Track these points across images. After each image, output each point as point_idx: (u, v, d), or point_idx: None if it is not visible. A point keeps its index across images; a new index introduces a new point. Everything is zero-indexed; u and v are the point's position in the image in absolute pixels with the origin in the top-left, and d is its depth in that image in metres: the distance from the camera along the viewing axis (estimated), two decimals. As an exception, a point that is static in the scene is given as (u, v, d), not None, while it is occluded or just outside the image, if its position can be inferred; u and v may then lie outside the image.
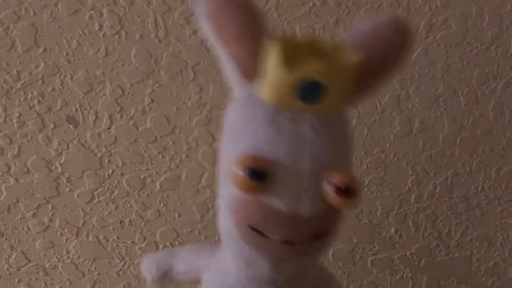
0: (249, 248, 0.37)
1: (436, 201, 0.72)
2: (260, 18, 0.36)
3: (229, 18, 0.35)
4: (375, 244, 0.73)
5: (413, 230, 0.73)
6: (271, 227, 0.35)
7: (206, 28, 0.36)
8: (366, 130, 0.67)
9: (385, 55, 0.36)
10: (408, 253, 0.74)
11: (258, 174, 0.33)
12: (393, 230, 0.73)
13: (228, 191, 0.36)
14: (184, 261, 0.48)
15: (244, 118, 0.36)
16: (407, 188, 0.71)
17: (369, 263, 0.74)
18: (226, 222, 0.37)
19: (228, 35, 0.35)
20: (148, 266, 0.49)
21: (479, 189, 0.72)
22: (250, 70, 0.36)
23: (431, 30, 0.64)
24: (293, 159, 0.34)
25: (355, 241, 0.73)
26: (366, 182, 0.70)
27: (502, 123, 0.69)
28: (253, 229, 0.35)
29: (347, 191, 0.34)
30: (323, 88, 0.34)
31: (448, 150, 0.70)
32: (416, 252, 0.74)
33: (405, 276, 0.76)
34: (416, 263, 0.75)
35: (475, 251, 0.75)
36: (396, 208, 0.72)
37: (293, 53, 0.34)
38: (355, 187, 0.34)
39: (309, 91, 0.34)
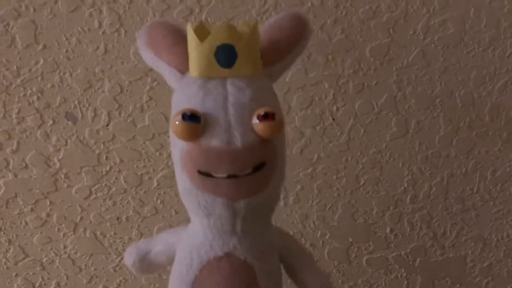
0: (203, 195, 0.43)
1: (431, 202, 0.73)
2: (182, 29, 0.45)
3: (159, 37, 0.46)
4: (370, 243, 0.74)
5: (408, 230, 0.74)
6: (214, 165, 0.42)
7: (146, 54, 0.46)
8: (362, 131, 0.68)
9: (285, 36, 0.46)
10: (403, 253, 0.75)
11: (190, 116, 0.40)
12: (388, 229, 0.73)
13: (177, 148, 0.43)
14: (161, 241, 0.52)
15: (181, 96, 0.44)
16: (402, 188, 0.71)
17: (364, 262, 0.75)
18: (181, 180, 0.44)
19: (162, 49, 0.45)
20: (129, 253, 0.52)
21: (475, 190, 0.73)
22: (184, 66, 0.44)
23: (429, 32, 0.65)
24: (220, 108, 0.42)
25: (350, 240, 0.74)
26: (362, 182, 0.70)
27: (498, 124, 0.69)
28: (201, 173, 0.42)
29: (266, 116, 0.41)
30: (233, 50, 0.42)
31: (444, 151, 0.70)
32: (411, 252, 0.75)
33: (399, 275, 0.76)
34: (411, 262, 0.76)
35: (469, 251, 0.76)
36: (391, 208, 0.72)
37: (206, 32, 0.43)
38: (272, 112, 0.41)
39: (223, 55, 0.42)
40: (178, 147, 0.43)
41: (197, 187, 0.43)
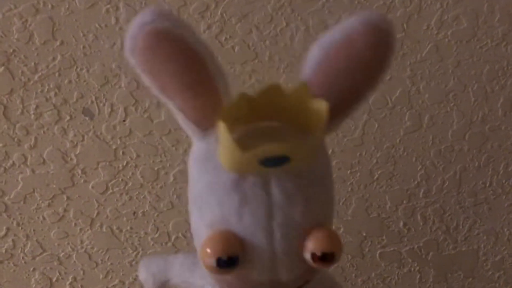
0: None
1: (444, 196, 0.73)
2: (203, 54, 0.28)
3: (164, 66, 0.28)
4: (384, 237, 0.74)
5: (421, 224, 0.74)
6: (246, 285, 0.33)
7: (144, 79, 0.30)
8: (376, 125, 0.68)
9: (360, 70, 0.30)
10: (416, 247, 0.75)
11: (227, 262, 0.30)
12: (401, 223, 0.74)
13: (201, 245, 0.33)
14: (179, 276, 0.46)
15: (207, 181, 0.32)
16: (416, 182, 0.72)
17: (377, 256, 0.75)
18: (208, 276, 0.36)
19: (168, 87, 0.29)
20: (145, 278, 0.48)
21: (487, 184, 0.73)
22: (204, 120, 0.31)
23: (442, 27, 0.65)
24: (263, 229, 0.31)
25: (364, 234, 0.74)
26: (376, 176, 0.71)
27: (511, 119, 0.70)
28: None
29: (324, 258, 0.31)
30: (287, 157, 0.29)
31: (457, 145, 0.70)
32: (424, 246, 0.75)
33: (412, 269, 0.77)
34: (423, 256, 0.76)
35: (482, 245, 0.76)
36: (405, 202, 0.73)
37: (250, 108, 0.29)
38: (332, 253, 0.31)
39: (272, 163, 0.29)
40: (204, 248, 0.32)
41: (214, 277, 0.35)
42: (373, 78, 0.31)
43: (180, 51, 0.28)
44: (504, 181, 0.73)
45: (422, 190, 0.72)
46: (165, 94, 0.30)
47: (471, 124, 0.70)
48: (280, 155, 0.29)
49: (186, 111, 0.30)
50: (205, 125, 0.30)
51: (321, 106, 0.28)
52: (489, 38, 0.66)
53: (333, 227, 0.34)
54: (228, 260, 0.30)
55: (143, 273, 0.49)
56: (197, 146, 0.33)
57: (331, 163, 0.35)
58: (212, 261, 0.30)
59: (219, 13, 0.62)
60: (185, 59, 0.28)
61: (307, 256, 0.31)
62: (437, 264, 0.77)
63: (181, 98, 0.29)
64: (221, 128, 0.28)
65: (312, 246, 0.30)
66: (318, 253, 0.30)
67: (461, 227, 0.75)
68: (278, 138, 0.30)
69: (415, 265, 0.76)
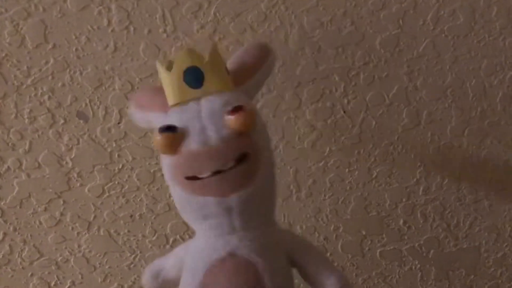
0: (195, 198, 0.46)
1: (444, 193, 0.72)
2: (158, 88, 0.51)
3: (142, 97, 0.54)
4: (384, 235, 0.74)
5: (421, 221, 0.73)
6: (197, 166, 0.45)
7: (137, 117, 0.53)
8: (374, 123, 0.68)
9: (249, 60, 0.52)
10: (416, 245, 0.75)
11: (166, 128, 0.45)
12: (401, 221, 0.73)
13: (166, 166, 0.47)
14: (173, 256, 0.53)
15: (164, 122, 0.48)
16: (415, 180, 0.71)
17: (377, 255, 0.75)
18: (175, 193, 0.48)
19: (145, 105, 0.52)
20: (144, 272, 0.54)
21: (487, 180, 0.72)
22: (165, 108, 0.49)
23: (439, 22, 0.64)
24: (195, 118, 0.46)
25: (363, 233, 0.73)
26: (375, 174, 0.70)
27: (510, 114, 0.69)
28: (189, 178, 0.45)
29: (235, 109, 0.44)
30: (199, 71, 0.47)
31: (456, 141, 0.70)
32: (424, 244, 0.75)
33: (413, 267, 0.76)
34: (424, 254, 0.75)
35: (483, 242, 0.76)
36: (404, 200, 0.72)
37: (172, 63, 0.48)
38: (241, 105, 0.45)
39: (191, 76, 0.47)
40: (166, 163, 0.47)
41: (188, 193, 0.46)
42: (257, 65, 0.52)
43: (152, 91, 0.55)
44: (504, 177, 0.72)
45: (421, 188, 0.72)
46: (146, 111, 0.53)
47: (470, 120, 0.69)
48: (192, 66, 0.47)
49: (156, 109, 0.51)
50: (166, 109, 0.49)
51: (213, 43, 0.53)
52: (487, 33, 0.65)
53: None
54: (167, 127, 0.45)
55: (145, 272, 0.54)
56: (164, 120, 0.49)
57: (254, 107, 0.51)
58: (157, 133, 0.45)
59: (212, 12, 0.61)
60: (154, 92, 0.53)
61: (225, 117, 0.45)
62: (438, 262, 0.76)
63: (154, 105, 0.52)
64: (158, 65, 0.49)
65: (227, 110, 0.45)
66: (230, 108, 0.45)
67: (461, 224, 0.74)
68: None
69: (416, 263, 0.76)
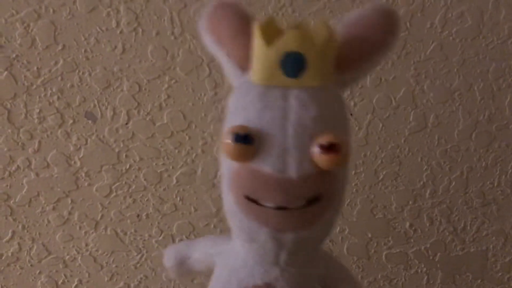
0: (248, 220, 0.39)
1: (451, 196, 0.72)
2: (249, 16, 0.40)
3: (223, 22, 0.39)
4: (390, 238, 0.74)
5: (428, 225, 0.73)
6: (263, 192, 0.37)
7: (206, 38, 0.41)
8: (380, 125, 0.68)
9: (369, 37, 0.38)
10: (423, 248, 0.74)
11: (243, 138, 0.36)
12: (407, 224, 0.73)
13: (226, 167, 0.39)
14: (201, 249, 0.50)
15: (238, 101, 0.39)
16: (422, 183, 0.71)
17: (383, 258, 0.75)
18: (227, 199, 0.40)
19: (224, 37, 0.39)
20: (168, 255, 0.51)
21: (495, 184, 0.72)
22: (245, 62, 0.39)
23: (446, 24, 0.64)
24: (278, 126, 0.36)
25: (369, 235, 0.73)
26: (381, 177, 0.70)
27: (519, 117, 0.69)
28: (249, 198, 0.38)
29: (330, 148, 0.35)
30: (302, 59, 0.36)
31: (463, 145, 0.69)
32: (431, 247, 0.74)
33: (420, 270, 0.76)
34: (431, 258, 0.75)
35: (491, 246, 0.75)
36: (411, 202, 0.72)
37: (277, 33, 0.37)
38: (337, 143, 0.35)
39: (290, 64, 0.37)
40: (226, 165, 0.39)
41: (241, 211, 0.39)
42: (379, 45, 0.39)
43: (233, 11, 0.39)
44: (512, 181, 0.72)
45: (428, 191, 0.71)
46: (219, 44, 0.40)
47: (478, 123, 0.69)
48: (296, 52, 0.36)
49: (233, 55, 0.39)
50: (245, 67, 0.39)
51: (331, 28, 0.37)
52: (495, 36, 0.65)
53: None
54: (243, 136, 0.36)
55: (168, 251, 0.51)
56: (237, 82, 0.40)
57: (344, 104, 0.40)
58: (230, 138, 0.36)
59: (219, 14, 0.61)
60: (236, 16, 0.39)
61: (315, 149, 0.35)
62: (444, 266, 0.76)
63: (230, 44, 0.39)
64: (255, 27, 0.37)
65: (319, 140, 0.35)
66: (324, 143, 0.35)
67: (469, 227, 0.74)
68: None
69: (422, 266, 0.75)
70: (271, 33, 0.37)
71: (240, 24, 0.39)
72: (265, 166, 0.36)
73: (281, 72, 0.37)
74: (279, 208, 0.37)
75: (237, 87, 0.40)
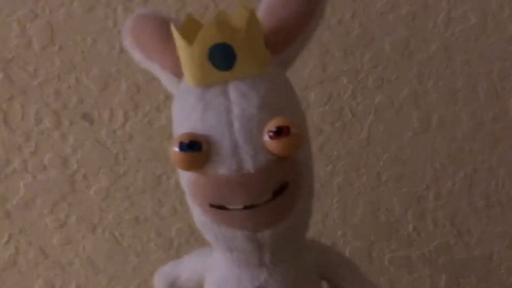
0: (220, 228, 0.37)
1: (455, 198, 0.71)
2: (172, 21, 0.38)
3: (145, 34, 0.39)
4: (393, 241, 0.72)
5: (431, 227, 0.72)
6: (227, 196, 0.35)
7: (135, 55, 0.40)
8: (383, 126, 0.67)
9: (294, 9, 0.37)
10: (426, 251, 0.73)
11: (188, 145, 0.34)
12: (411, 227, 0.72)
13: (184, 180, 0.38)
14: (188, 267, 0.48)
15: (179, 109, 0.38)
16: (425, 185, 0.70)
17: (386, 261, 0.74)
18: (194, 212, 0.39)
19: (151, 50, 0.39)
20: (158, 279, 0.50)
21: (500, 185, 0.71)
22: (178, 69, 0.37)
23: (450, 24, 0.63)
24: (223, 124, 0.35)
25: (372, 238, 0.72)
26: (384, 179, 0.69)
27: (524, 118, 0.68)
28: (214, 206, 0.36)
29: (279, 131, 0.33)
30: (229, 48, 0.35)
31: (467, 146, 0.68)
32: (434, 250, 0.73)
33: (423, 274, 0.74)
34: (434, 261, 0.74)
35: (495, 249, 0.74)
36: (414, 205, 0.71)
37: (196, 29, 0.35)
38: (286, 126, 0.34)
39: (218, 56, 0.35)
40: (184, 178, 0.38)
41: (211, 221, 0.37)
42: (306, 15, 0.38)
43: (153, 21, 0.39)
44: (517, 183, 0.71)
45: (431, 193, 0.70)
46: (150, 58, 0.39)
47: (481, 124, 0.67)
48: (221, 42, 0.34)
49: (165, 65, 0.39)
50: (179, 73, 0.38)
51: (250, 10, 0.35)
52: (499, 35, 0.64)
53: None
54: (189, 143, 0.34)
55: (157, 276, 0.50)
56: (175, 89, 0.39)
57: (290, 85, 0.39)
58: (176, 148, 0.34)
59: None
60: (158, 25, 0.39)
61: (266, 137, 0.34)
62: (448, 269, 0.74)
63: (160, 55, 0.38)
64: (173, 30, 0.35)
65: (268, 127, 0.34)
66: (273, 128, 0.33)
67: (473, 230, 0.73)
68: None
69: (426, 270, 0.74)
70: (191, 31, 0.35)
71: (163, 32, 0.38)
72: (221, 168, 0.35)
73: (213, 67, 0.35)
74: (247, 207, 0.35)
75: (176, 95, 0.39)
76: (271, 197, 0.35)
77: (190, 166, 0.35)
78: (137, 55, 0.40)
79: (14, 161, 0.65)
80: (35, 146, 0.64)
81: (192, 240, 0.69)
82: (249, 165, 0.34)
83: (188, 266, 0.48)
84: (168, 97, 0.63)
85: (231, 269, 0.41)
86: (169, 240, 0.70)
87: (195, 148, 0.34)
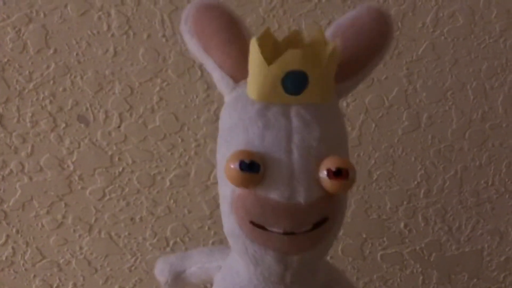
0: (253, 244, 0.38)
1: (445, 196, 0.72)
2: (239, 21, 0.38)
3: (209, 28, 0.37)
4: (385, 239, 0.73)
5: (422, 224, 0.73)
6: (270, 219, 0.36)
7: (191, 43, 0.39)
8: (373, 125, 0.67)
9: (364, 44, 0.38)
10: (418, 248, 0.74)
11: (249, 166, 0.34)
12: (402, 225, 0.73)
13: (228, 190, 0.37)
14: (196, 263, 0.49)
15: (235, 118, 0.37)
16: (416, 182, 0.71)
17: (378, 258, 0.75)
18: (229, 222, 0.38)
19: (212, 43, 0.38)
20: (161, 269, 0.50)
21: (489, 183, 0.72)
22: (237, 72, 0.37)
23: (438, 24, 0.64)
24: (283, 149, 0.35)
25: (364, 236, 0.73)
26: (375, 177, 0.70)
27: (512, 116, 0.69)
28: (254, 224, 0.36)
29: (339, 173, 0.34)
30: (304, 77, 0.35)
31: (457, 144, 0.69)
32: (426, 247, 0.74)
33: (415, 271, 0.76)
34: (426, 257, 0.75)
35: (486, 245, 0.75)
36: (405, 202, 0.72)
37: (274, 47, 0.36)
38: (346, 168, 0.34)
39: (292, 82, 0.35)
40: (229, 188, 0.37)
41: (246, 235, 0.37)
42: (374, 50, 0.39)
43: (220, 16, 0.37)
44: (506, 180, 0.72)
45: (422, 190, 0.71)
46: (207, 52, 0.38)
47: (471, 122, 0.68)
48: (299, 70, 0.35)
49: (223, 64, 0.38)
50: (237, 77, 0.37)
51: (333, 44, 0.36)
52: (487, 35, 0.65)
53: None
54: (250, 164, 0.34)
55: (160, 264, 0.50)
56: (229, 96, 0.39)
57: (343, 117, 0.40)
58: (236, 165, 0.34)
59: (210, 17, 0.61)
60: (224, 22, 0.37)
61: (323, 174, 0.34)
62: (440, 266, 0.75)
63: (220, 53, 0.37)
64: (252, 45, 0.35)
65: (326, 164, 0.34)
66: (333, 168, 0.34)
67: (463, 227, 0.74)
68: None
69: (418, 266, 0.75)
70: (269, 49, 0.35)
71: (230, 29, 0.37)
72: (272, 193, 0.35)
73: (282, 90, 0.35)
74: (287, 233, 0.36)
75: (232, 101, 0.39)
76: (310, 229, 0.36)
77: (246, 185, 0.35)
78: (192, 43, 0.39)
79: (10, 163, 0.65)
80: (31, 148, 0.65)
81: (187, 239, 0.70)
82: (301, 197, 0.35)
83: (197, 262, 0.49)
84: (162, 99, 0.64)
85: (251, 280, 0.42)
86: (164, 239, 0.70)
87: (255, 170, 0.34)
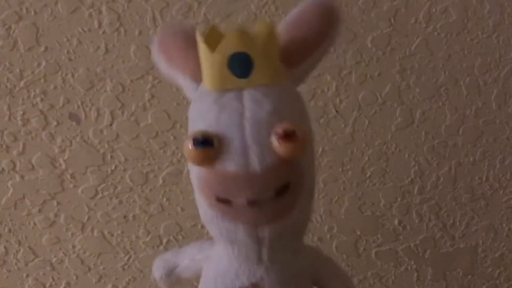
0: (224, 222, 0.40)
1: (439, 192, 0.72)
2: (195, 35, 0.41)
3: (171, 44, 0.43)
4: (379, 236, 0.73)
5: (416, 221, 0.73)
6: (233, 190, 0.38)
7: (161, 64, 0.43)
8: (367, 122, 0.67)
9: (308, 29, 0.41)
10: (412, 245, 0.74)
11: (202, 142, 0.37)
12: (396, 221, 0.73)
13: (194, 175, 0.40)
14: (188, 256, 0.50)
15: (196, 109, 0.41)
16: (410, 179, 0.71)
17: (373, 255, 0.74)
18: (201, 206, 0.41)
19: (175, 56, 0.42)
20: (157, 265, 0.51)
21: (484, 179, 0.71)
22: (198, 74, 0.40)
23: (431, 20, 0.64)
24: (236, 125, 0.38)
25: (358, 233, 0.73)
26: (368, 174, 0.70)
27: (506, 112, 0.68)
28: (220, 200, 0.39)
29: (287, 136, 0.36)
30: (248, 58, 0.38)
31: (450, 140, 0.69)
32: (420, 244, 0.74)
33: (409, 267, 0.75)
34: (420, 254, 0.75)
35: (480, 241, 0.75)
36: (399, 199, 0.72)
37: (219, 38, 0.38)
38: (293, 130, 0.36)
39: (238, 64, 0.38)
40: (194, 171, 0.40)
41: (216, 214, 0.40)
42: (320, 36, 0.41)
43: (179, 33, 0.43)
44: (501, 176, 0.71)
45: (416, 187, 0.71)
46: (172, 64, 0.43)
47: (465, 118, 0.68)
48: (241, 52, 0.37)
49: (186, 70, 0.42)
50: (198, 78, 0.41)
51: (270, 24, 0.39)
52: (480, 30, 0.65)
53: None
54: (203, 140, 0.37)
55: (157, 262, 0.51)
56: (193, 93, 0.42)
57: (301, 99, 0.42)
58: (191, 143, 0.37)
59: (202, 13, 0.61)
60: (183, 36, 0.42)
61: (274, 139, 0.37)
62: (434, 262, 0.75)
63: (182, 61, 0.42)
64: (198, 37, 0.38)
65: (275, 130, 0.36)
66: (280, 131, 0.36)
67: (458, 223, 0.74)
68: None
69: (412, 263, 0.75)
70: (214, 39, 0.38)
71: (187, 40, 0.42)
72: (229, 165, 0.37)
73: (231, 74, 0.38)
74: (250, 203, 0.38)
75: (195, 98, 0.41)
76: (273, 195, 0.38)
77: (202, 161, 0.37)
78: (162, 64, 0.43)
79: (2, 162, 0.65)
80: (22, 146, 0.65)
81: (180, 237, 0.70)
82: (255, 164, 0.37)
83: (188, 255, 0.50)
84: (154, 96, 0.64)
85: (231, 262, 0.44)
86: (158, 237, 0.70)
87: (208, 144, 0.37)
